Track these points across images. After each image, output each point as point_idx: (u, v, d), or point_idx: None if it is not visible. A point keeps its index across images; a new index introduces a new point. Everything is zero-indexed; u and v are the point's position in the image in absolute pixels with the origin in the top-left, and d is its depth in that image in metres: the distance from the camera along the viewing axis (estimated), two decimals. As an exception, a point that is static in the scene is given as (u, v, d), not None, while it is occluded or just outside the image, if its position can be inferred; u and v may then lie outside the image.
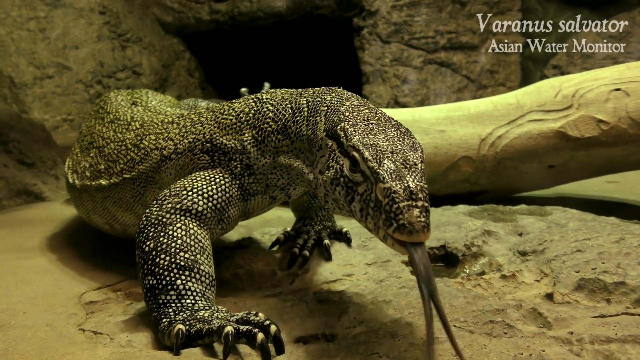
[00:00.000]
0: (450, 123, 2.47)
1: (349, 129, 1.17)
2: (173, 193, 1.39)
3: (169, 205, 1.36)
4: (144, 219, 1.36)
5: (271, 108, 1.45)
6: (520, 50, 4.86)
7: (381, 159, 1.07)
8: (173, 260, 1.26)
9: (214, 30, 5.31)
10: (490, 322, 1.16)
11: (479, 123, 2.44)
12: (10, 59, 3.64)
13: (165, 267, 1.25)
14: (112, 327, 1.31)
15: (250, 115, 1.48)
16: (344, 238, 1.80)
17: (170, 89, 5.00)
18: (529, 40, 4.75)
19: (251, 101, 1.52)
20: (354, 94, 1.36)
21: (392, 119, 1.26)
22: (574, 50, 4.61)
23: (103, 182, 1.76)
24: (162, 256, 1.27)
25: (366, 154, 1.09)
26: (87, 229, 2.17)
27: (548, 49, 4.69)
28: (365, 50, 4.93)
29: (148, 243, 1.30)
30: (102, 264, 1.80)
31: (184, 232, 1.32)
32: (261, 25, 5.19)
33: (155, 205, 1.37)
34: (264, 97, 1.51)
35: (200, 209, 1.36)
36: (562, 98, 2.33)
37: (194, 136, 1.55)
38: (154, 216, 1.35)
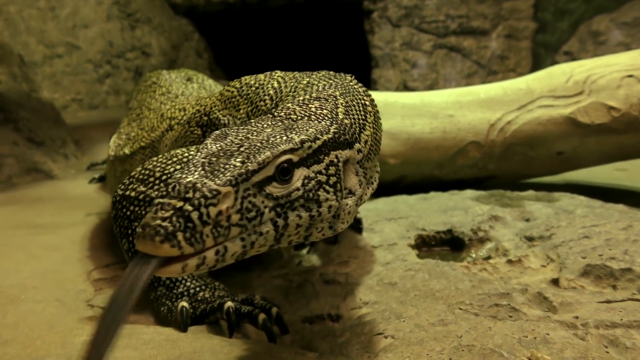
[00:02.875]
0: (459, 108, 2.46)
1: None
2: (139, 177, 1.27)
3: (132, 195, 1.26)
4: (111, 206, 1.28)
5: (275, 85, 1.30)
6: (532, 36, 4.81)
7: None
8: None
9: (223, 12, 5.28)
10: (495, 305, 1.16)
11: (488, 108, 2.42)
12: (20, 37, 3.64)
13: None
14: (120, 303, 1.33)
15: (253, 89, 1.33)
16: (356, 226, 1.80)
17: (178, 69, 4.99)
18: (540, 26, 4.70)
19: (263, 75, 1.38)
20: (354, 84, 1.22)
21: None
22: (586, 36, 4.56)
23: (126, 150, 1.76)
24: None
25: None
26: (96, 207, 2.18)
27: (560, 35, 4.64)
28: (375, 34, 4.90)
29: (122, 242, 1.27)
30: (110, 241, 1.82)
31: None
32: (271, 7, 5.15)
33: (120, 190, 1.28)
34: (279, 73, 1.36)
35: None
36: (574, 84, 2.31)
37: (198, 107, 1.46)
38: (119, 206, 1.27)
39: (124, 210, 1.26)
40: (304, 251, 1.65)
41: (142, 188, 1.24)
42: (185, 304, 1.16)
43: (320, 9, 5.19)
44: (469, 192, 2.16)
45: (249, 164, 0.83)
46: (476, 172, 2.49)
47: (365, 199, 1.07)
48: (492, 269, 1.44)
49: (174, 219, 0.74)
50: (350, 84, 1.20)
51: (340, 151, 0.95)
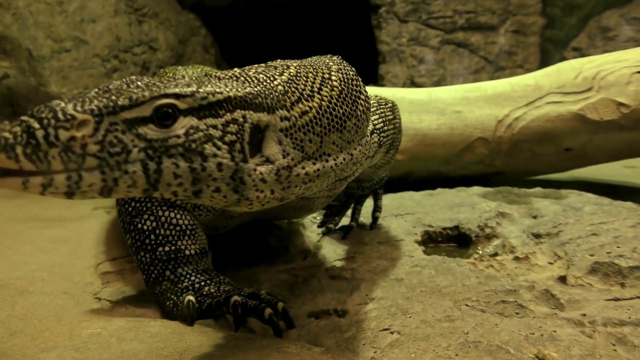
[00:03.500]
0: (466, 104, 2.45)
1: None
2: None
3: None
4: (117, 201, 1.29)
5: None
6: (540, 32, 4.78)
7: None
8: (154, 257, 1.24)
9: (230, 6, 5.28)
10: (502, 302, 1.16)
11: (496, 104, 2.41)
12: (29, 31, 3.65)
13: (148, 263, 1.25)
14: (127, 296, 1.34)
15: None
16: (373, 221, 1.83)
17: (185, 65, 4.99)
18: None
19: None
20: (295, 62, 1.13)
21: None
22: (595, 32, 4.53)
23: None
24: (142, 253, 1.25)
25: None
26: (103, 201, 2.19)
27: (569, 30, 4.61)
28: (382, 29, 4.88)
29: (126, 237, 1.29)
30: (117, 235, 1.82)
31: (154, 223, 1.24)
32: (278, 2, 5.15)
33: None
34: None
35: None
36: (582, 80, 2.30)
37: None
38: (121, 202, 1.28)
39: (126, 205, 1.27)
40: (318, 232, 1.68)
41: None
42: (191, 297, 1.17)
43: (328, 4, 5.18)
44: (476, 189, 2.15)
45: (120, 98, 0.82)
46: (483, 169, 2.49)
47: (303, 174, 1.00)
48: (499, 266, 1.44)
49: (18, 132, 0.74)
50: (324, 59, 1.16)
51: (251, 112, 0.92)
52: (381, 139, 1.36)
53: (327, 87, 1.06)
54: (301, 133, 0.99)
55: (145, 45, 4.60)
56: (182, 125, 0.85)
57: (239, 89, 0.93)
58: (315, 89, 1.04)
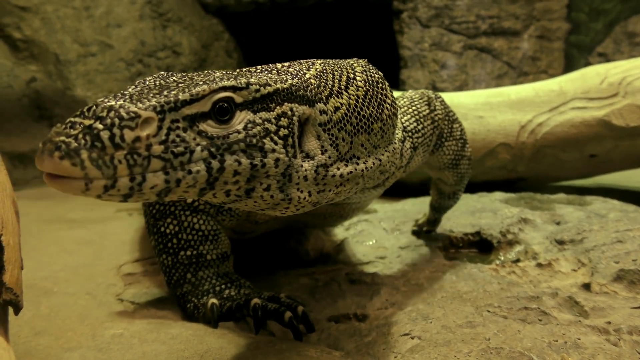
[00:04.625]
0: (489, 109, 2.43)
1: None
2: None
3: None
4: (143, 203, 1.29)
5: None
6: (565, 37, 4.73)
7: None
8: (175, 260, 1.25)
9: (253, 11, 5.32)
10: (524, 308, 1.14)
11: (519, 109, 2.39)
12: (56, 36, 3.72)
13: (170, 266, 1.26)
14: (149, 298, 1.35)
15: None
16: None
17: (208, 69, 5.03)
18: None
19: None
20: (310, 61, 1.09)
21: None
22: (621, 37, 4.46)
23: None
24: (164, 256, 1.26)
25: None
26: (127, 204, 2.22)
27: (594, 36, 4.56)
28: (404, 34, 4.87)
29: (150, 239, 1.30)
30: (139, 237, 1.85)
31: (177, 227, 1.24)
32: (300, 7, 5.17)
33: None
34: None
35: (189, 200, 1.23)
36: (608, 85, 2.26)
37: None
38: (146, 204, 1.28)
39: (151, 208, 1.28)
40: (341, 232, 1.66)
41: None
42: (215, 300, 1.18)
43: (350, 8, 5.18)
44: (498, 194, 2.13)
45: (181, 93, 0.77)
46: (505, 174, 2.46)
47: (338, 175, 0.96)
48: (522, 272, 1.42)
49: (80, 136, 0.67)
50: (349, 61, 1.14)
51: (297, 105, 0.89)
52: (415, 141, 1.30)
53: (353, 86, 1.03)
54: (336, 129, 0.96)
55: (169, 49, 4.66)
56: (239, 120, 0.82)
57: (284, 81, 0.89)
58: (343, 87, 1.01)
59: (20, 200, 0.99)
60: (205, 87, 0.79)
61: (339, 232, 1.83)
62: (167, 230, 1.25)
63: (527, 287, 1.28)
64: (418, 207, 2.08)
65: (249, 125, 0.82)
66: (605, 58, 4.52)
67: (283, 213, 0.94)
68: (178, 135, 0.75)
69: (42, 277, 1.43)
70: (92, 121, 0.69)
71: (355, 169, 1.00)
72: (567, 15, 4.71)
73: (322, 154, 0.93)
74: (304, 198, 0.91)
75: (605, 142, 2.26)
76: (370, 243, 1.74)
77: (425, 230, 1.79)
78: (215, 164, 0.78)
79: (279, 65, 0.97)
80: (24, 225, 0.97)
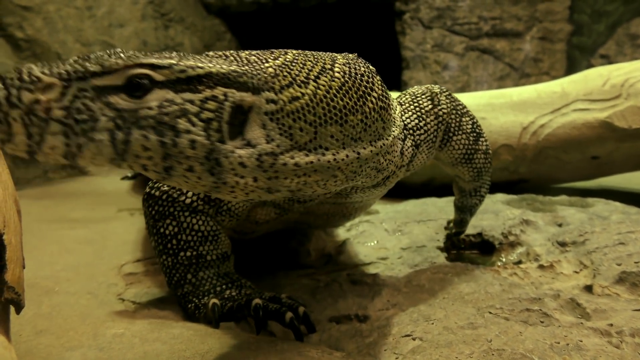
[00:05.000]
0: (491, 110, 2.43)
1: None
2: None
3: (157, 194, 1.26)
4: (142, 203, 1.30)
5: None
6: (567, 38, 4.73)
7: None
8: (176, 261, 1.25)
9: (255, 12, 5.32)
10: (526, 310, 1.14)
11: (521, 111, 2.39)
12: (58, 35, 3.72)
13: (170, 266, 1.26)
14: (150, 298, 1.35)
15: None
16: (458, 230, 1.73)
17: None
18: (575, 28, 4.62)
19: None
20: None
21: None
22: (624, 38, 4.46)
23: None
24: (164, 257, 1.26)
25: None
26: (127, 203, 2.22)
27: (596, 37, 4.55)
28: (406, 35, 4.88)
29: (151, 240, 1.30)
30: (140, 237, 1.85)
31: (176, 228, 1.24)
32: (302, 8, 5.17)
33: (148, 187, 1.30)
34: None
35: (188, 201, 1.24)
36: (610, 87, 2.26)
37: None
38: (146, 205, 1.29)
39: (150, 209, 1.28)
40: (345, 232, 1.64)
41: (165, 188, 1.25)
42: (216, 301, 1.17)
43: (352, 9, 5.18)
44: (500, 196, 2.13)
45: (92, 64, 0.80)
46: (507, 176, 2.46)
47: (292, 164, 0.94)
48: (523, 274, 1.42)
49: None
50: (334, 54, 1.12)
51: (234, 90, 0.88)
52: (417, 138, 1.28)
53: (326, 76, 1.01)
54: (290, 119, 0.94)
55: (171, 49, 4.65)
56: (156, 97, 0.82)
57: (223, 66, 0.90)
58: (312, 77, 0.99)
59: (21, 200, 0.99)
60: (119, 61, 0.81)
61: (341, 232, 1.82)
62: (167, 232, 1.24)
63: (529, 289, 1.28)
64: (420, 208, 2.07)
65: (165, 103, 0.83)
66: (608, 60, 4.51)
67: (234, 197, 0.95)
68: (84, 104, 0.79)
69: (44, 276, 1.43)
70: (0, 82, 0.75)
71: (319, 160, 0.97)
72: (570, 16, 4.71)
73: (268, 142, 0.91)
74: (247, 183, 0.91)
75: (607, 143, 2.26)
76: (372, 244, 1.73)
77: (454, 233, 1.71)
78: (120, 135, 0.80)
79: (244, 53, 0.98)
80: (25, 224, 0.97)
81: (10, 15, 3.51)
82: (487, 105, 2.44)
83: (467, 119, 1.44)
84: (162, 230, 1.25)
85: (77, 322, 1.16)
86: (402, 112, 1.30)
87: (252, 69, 0.93)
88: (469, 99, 2.51)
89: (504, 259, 1.61)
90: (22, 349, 1.03)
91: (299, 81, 0.97)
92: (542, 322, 1.10)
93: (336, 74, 1.02)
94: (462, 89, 4.76)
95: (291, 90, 0.96)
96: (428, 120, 1.33)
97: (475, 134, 1.45)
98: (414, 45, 4.86)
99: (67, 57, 3.76)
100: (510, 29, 4.80)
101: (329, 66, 1.03)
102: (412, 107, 1.32)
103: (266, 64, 0.95)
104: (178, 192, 1.24)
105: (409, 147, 1.25)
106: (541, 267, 1.44)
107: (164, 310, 1.28)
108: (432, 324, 1.12)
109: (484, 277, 1.38)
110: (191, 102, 0.84)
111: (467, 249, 1.73)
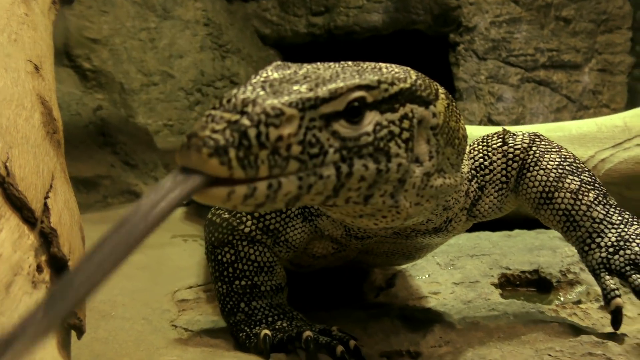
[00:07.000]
0: (549, 143, 2.37)
1: None
2: None
3: (217, 221, 1.26)
4: (204, 229, 1.31)
5: None
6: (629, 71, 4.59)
7: None
8: (230, 289, 1.25)
9: (309, 43, 5.42)
10: (589, 354, 1.09)
11: (580, 145, 2.32)
12: (122, 66, 3.90)
13: (225, 294, 1.26)
14: (202, 325, 1.36)
15: None
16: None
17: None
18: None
19: None
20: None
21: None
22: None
23: None
24: (219, 284, 1.27)
25: None
26: (181, 229, 2.26)
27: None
28: (460, 67, 4.85)
29: (208, 265, 1.31)
30: (193, 263, 1.88)
31: (233, 257, 1.24)
32: (357, 39, 5.23)
33: (210, 213, 1.31)
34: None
35: (247, 230, 1.22)
36: (676, 122, 2.18)
37: None
38: (207, 231, 1.30)
39: (210, 235, 1.30)
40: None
41: (226, 215, 1.27)
42: (267, 331, 1.17)
43: (405, 40, 5.21)
44: (557, 232, 2.06)
45: (319, 90, 0.71)
46: (566, 211, 2.38)
47: (435, 186, 0.85)
48: (583, 315, 1.36)
49: (228, 132, 0.62)
50: None
51: (416, 106, 0.83)
52: (481, 179, 1.17)
53: (441, 94, 0.95)
54: (445, 135, 0.88)
55: (226, 79, 4.79)
56: (369, 121, 0.76)
57: (406, 80, 0.83)
58: (436, 94, 0.92)
59: (83, 224, 1.02)
60: (342, 84, 0.74)
61: (392, 265, 1.80)
62: (224, 259, 1.26)
63: (591, 331, 1.23)
64: (473, 242, 2.03)
65: (377, 127, 0.77)
66: (672, 92, 4.35)
67: (376, 224, 0.87)
68: (314, 136, 0.70)
69: (101, 301, 1.47)
70: (237, 116, 0.64)
71: (444, 183, 0.90)
72: (631, 48, 4.58)
73: (429, 160, 0.85)
74: (407, 207, 0.84)
75: (673, 180, 2.16)
76: (424, 277, 1.70)
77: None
78: (344, 168, 0.73)
79: (379, 65, 0.90)
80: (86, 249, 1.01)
81: (80, 47, 3.70)
82: (544, 139, 2.39)
83: (554, 155, 1.25)
84: (219, 257, 1.26)
85: (132, 348, 1.19)
86: (470, 151, 1.23)
87: (418, 80, 0.87)
88: (525, 132, 2.46)
89: (562, 298, 1.55)
90: (79, 371, 1.06)
91: (435, 94, 0.92)
92: (605, 367, 1.05)
93: (441, 94, 0.96)
94: (517, 121, 4.67)
95: (437, 104, 0.90)
96: (494, 158, 1.20)
97: (560, 171, 1.22)
98: (468, 77, 4.83)
99: (130, 86, 3.92)
100: (568, 60, 4.71)
101: (435, 85, 0.97)
102: (479, 146, 1.23)
103: (412, 77, 0.88)
104: (238, 221, 1.24)
105: (474, 189, 1.17)
106: (603, 308, 1.37)
107: (216, 338, 1.28)
108: (487, 364, 1.09)
109: (542, 316, 1.33)
110: (393, 122, 0.79)
111: (522, 286, 1.68)
